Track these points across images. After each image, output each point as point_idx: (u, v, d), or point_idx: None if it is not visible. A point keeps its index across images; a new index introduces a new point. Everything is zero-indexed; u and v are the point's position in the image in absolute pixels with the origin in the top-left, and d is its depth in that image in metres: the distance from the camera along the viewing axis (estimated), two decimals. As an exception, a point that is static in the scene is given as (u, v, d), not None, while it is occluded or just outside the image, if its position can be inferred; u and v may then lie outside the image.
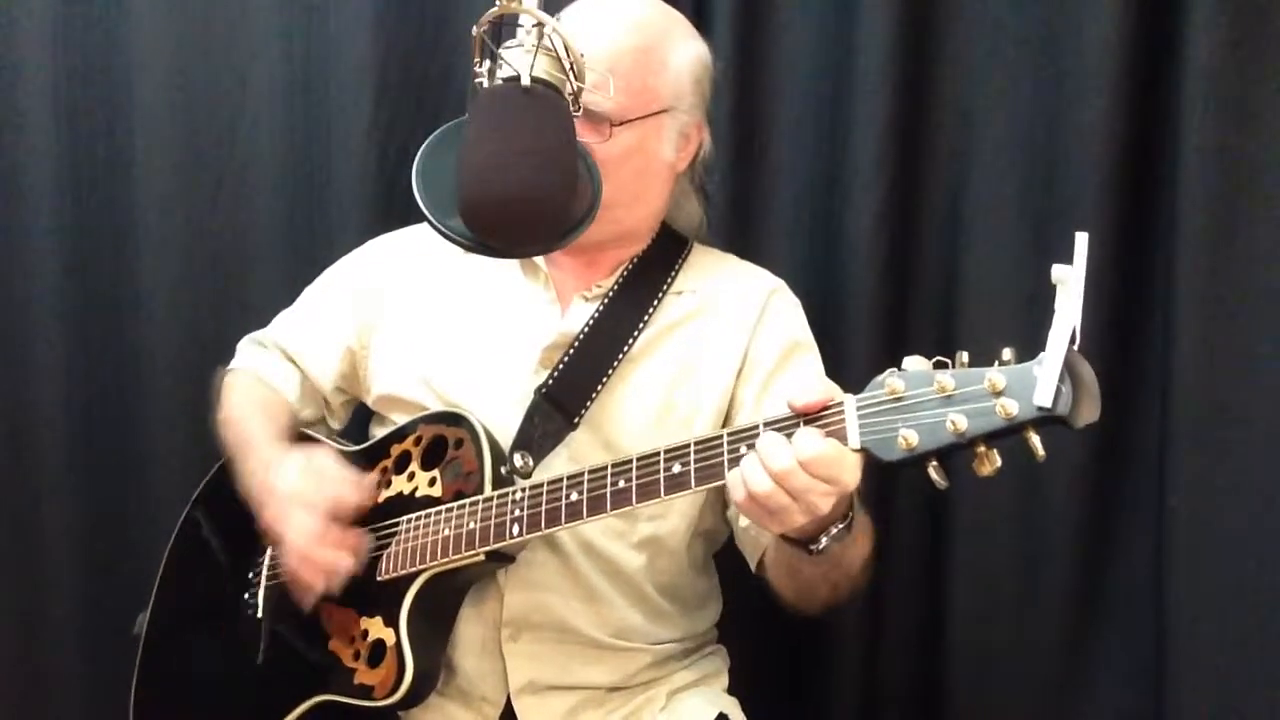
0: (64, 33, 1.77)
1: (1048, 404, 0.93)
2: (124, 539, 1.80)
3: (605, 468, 1.16)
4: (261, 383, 1.49)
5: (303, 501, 1.26)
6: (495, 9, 1.02)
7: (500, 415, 1.33)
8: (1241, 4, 1.44)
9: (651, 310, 1.39)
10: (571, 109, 1.06)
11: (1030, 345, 1.55)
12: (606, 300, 1.39)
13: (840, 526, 1.12)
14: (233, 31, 1.77)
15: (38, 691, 1.87)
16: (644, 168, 1.37)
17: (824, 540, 1.11)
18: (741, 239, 1.64)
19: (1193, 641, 1.48)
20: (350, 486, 1.28)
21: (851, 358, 1.61)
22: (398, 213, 1.61)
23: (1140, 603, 1.54)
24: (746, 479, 1.05)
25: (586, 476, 1.17)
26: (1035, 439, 0.95)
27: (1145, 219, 1.54)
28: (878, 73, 1.57)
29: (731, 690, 1.48)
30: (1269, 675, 1.47)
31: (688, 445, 1.11)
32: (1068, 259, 1.54)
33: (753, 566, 1.35)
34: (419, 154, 1.10)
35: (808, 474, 1.02)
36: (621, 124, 1.31)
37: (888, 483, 1.58)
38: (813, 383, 1.07)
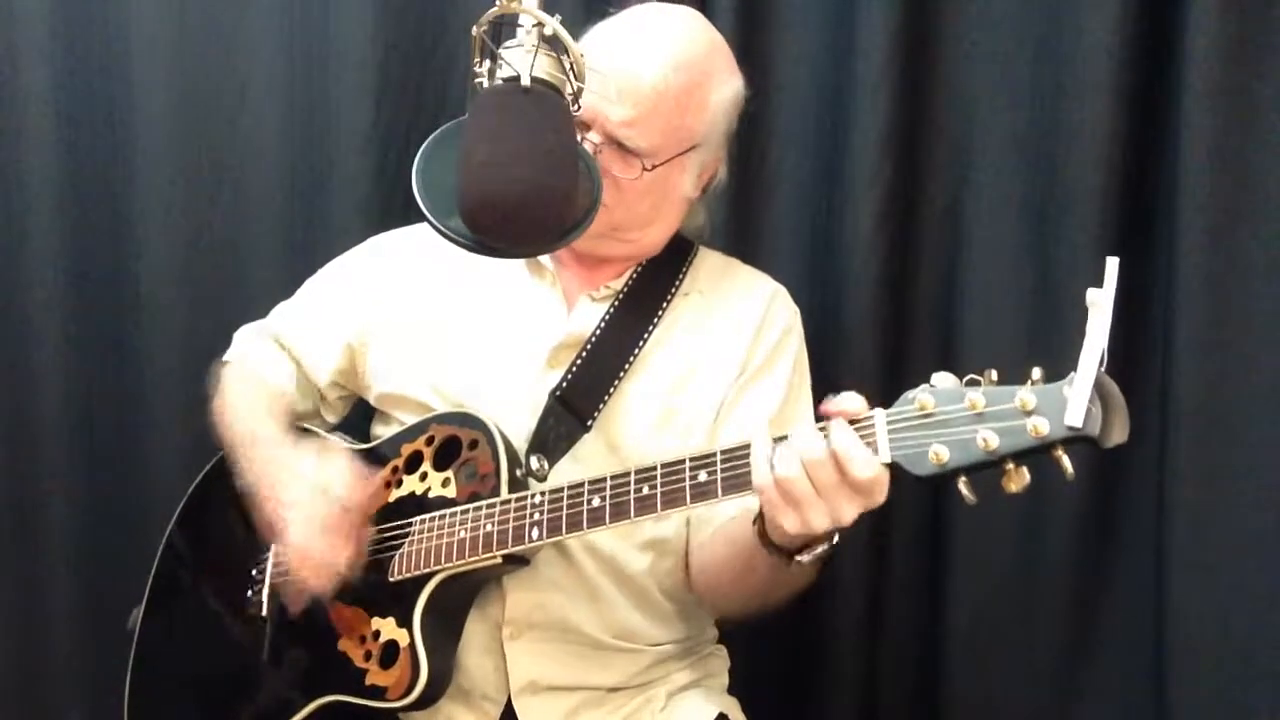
0: (64, 33, 1.77)
1: (1078, 424, 0.93)
2: (124, 539, 1.80)
3: (628, 474, 1.15)
4: (258, 376, 1.47)
5: (315, 492, 1.23)
6: (495, 9, 1.03)
7: (510, 415, 1.32)
8: (1240, 4, 1.44)
9: (661, 312, 1.39)
10: (571, 109, 1.06)
11: (1028, 344, 1.58)
12: (617, 302, 1.39)
13: (827, 546, 1.12)
14: (233, 31, 1.77)
15: (38, 690, 1.86)
16: (663, 199, 1.37)
17: (811, 554, 1.11)
18: (741, 240, 1.64)
19: (1193, 641, 1.48)
20: (361, 483, 1.26)
21: (852, 358, 1.61)
22: (398, 213, 1.61)
23: (1140, 603, 1.54)
24: (774, 461, 1.04)
25: (609, 482, 1.16)
26: (1064, 458, 0.96)
27: (1145, 219, 1.54)
28: (878, 73, 1.57)
29: (731, 690, 1.48)
30: (1269, 675, 1.47)
31: (714, 454, 1.10)
32: (1067, 258, 1.56)
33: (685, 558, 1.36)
34: (419, 154, 1.10)
35: (837, 471, 1.02)
36: (654, 167, 1.31)
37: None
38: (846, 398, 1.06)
